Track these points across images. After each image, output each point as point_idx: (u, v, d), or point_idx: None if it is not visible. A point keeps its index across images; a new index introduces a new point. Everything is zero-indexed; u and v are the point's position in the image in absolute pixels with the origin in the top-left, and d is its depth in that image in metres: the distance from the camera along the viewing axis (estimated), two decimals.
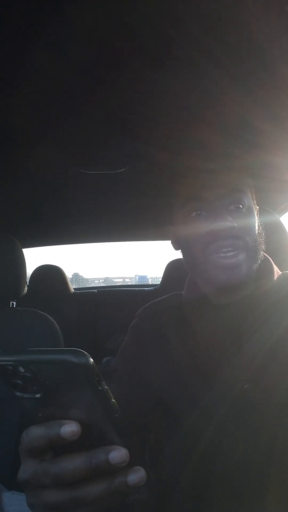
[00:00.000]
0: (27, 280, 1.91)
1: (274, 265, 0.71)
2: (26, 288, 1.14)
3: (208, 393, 0.60)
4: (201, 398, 0.60)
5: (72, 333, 2.12)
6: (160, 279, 2.29)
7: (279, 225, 1.07)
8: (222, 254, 0.60)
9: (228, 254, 0.60)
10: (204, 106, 0.74)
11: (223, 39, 0.56)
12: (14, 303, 1.18)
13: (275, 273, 0.69)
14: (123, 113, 0.77)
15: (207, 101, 0.73)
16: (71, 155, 0.98)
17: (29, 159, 0.99)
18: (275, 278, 0.68)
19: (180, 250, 0.72)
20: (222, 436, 0.58)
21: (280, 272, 0.70)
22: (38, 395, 0.31)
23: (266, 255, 0.72)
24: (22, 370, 0.31)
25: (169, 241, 0.75)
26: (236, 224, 0.60)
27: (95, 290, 2.37)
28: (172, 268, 2.18)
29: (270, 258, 0.72)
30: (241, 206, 0.63)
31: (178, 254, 0.73)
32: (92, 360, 0.30)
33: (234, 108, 0.73)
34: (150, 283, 3.58)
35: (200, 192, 0.63)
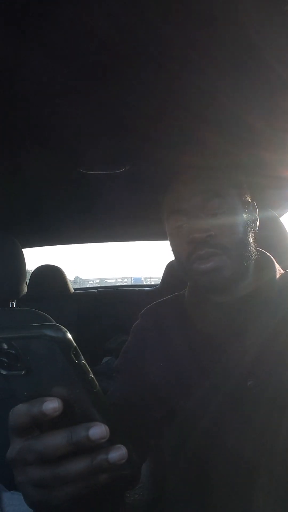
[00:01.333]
0: (27, 280, 1.91)
1: (276, 264, 0.71)
2: (26, 288, 1.13)
3: (211, 391, 0.61)
4: (202, 395, 0.61)
5: (72, 333, 2.11)
6: (152, 280, 2.30)
7: (277, 222, 1.08)
8: (201, 262, 0.62)
9: (204, 260, 0.62)
10: (201, 105, 0.74)
11: (222, 38, 0.56)
12: (14, 303, 1.18)
13: (277, 272, 0.69)
14: (123, 112, 0.77)
15: (205, 101, 0.73)
16: (71, 155, 0.98)
17: (28, 159, 0.99)
18: (278, 277, 0.68)
19: None
20: (219, 430, 0.59)
21: (283, 272, 0.70)
22: (22, 372, 0.32)
23: (267, 253, 0.72)
24: (5, 346, 0.32)
25: (168, 241, 0.77)
26: (213, 232, 0.62)
27: (95, 290, 2.37)
28: (172, 268, 2.18)
29: (272, 257, 0.72)
30: (220, 212, 0.64)
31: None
32: (69, 335, 0.32)
33: (230, 106, 0.74)
34: (144, 283, 3.61)
35: (180, 204, 0.66)
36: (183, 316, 0.71)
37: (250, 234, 0.67)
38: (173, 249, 0.70)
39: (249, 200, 0.70)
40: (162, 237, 2.21)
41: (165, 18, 0.51)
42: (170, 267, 2.19)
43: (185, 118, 0.79)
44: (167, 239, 0.73)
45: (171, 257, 0.80)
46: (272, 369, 0.59)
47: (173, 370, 0.65)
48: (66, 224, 1.77)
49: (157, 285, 2.34)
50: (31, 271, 2.15)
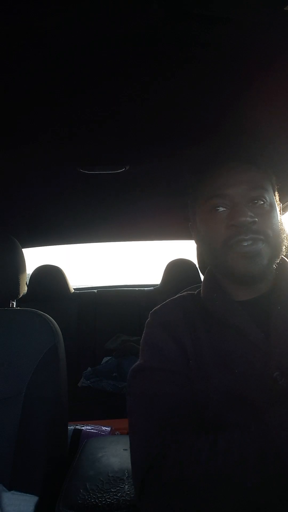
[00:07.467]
0: (27, 280, 1.92)
1: None
2: (26, 288, 1.14)
3: (236, 383, 0.60)
4: (229, 387, 0.60)
5: (72, 333, 2.13)
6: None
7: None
8: (244, 246, 0.62)
9: (248, 244, 0.62)
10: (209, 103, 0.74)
11: (222, 38, 0.56)
12: (14, 303, 1.18)
13: None
14: (123, 112, 0.77)
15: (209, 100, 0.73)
16: (71, 155, 0.98)
17: (28, 159, 0.99)
18: None
19: (200, 244, 0.74)
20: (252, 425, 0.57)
21: None
22: None
23: (283, 256, 0.72)
24: None
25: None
26: (257, 219, 0.62)
27: (95, 290, 2.37)
28: (172, 268, 2.18)
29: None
30: (263, 202, 0.65)
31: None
32: None
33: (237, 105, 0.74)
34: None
35: (222, 189, 0.65)
36: (202, 311, 0.70)
37: (284, 232, 0.68)
38: (206, 234, 0.69)
39: (278, 200, 0.71)
40: (162, 237, 2.21)
41: (163, 17, 0.52)
42: (170, 267, 2.19)
43: (188, 118, 0.79)
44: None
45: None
46: None
47: (199, 367, 0.64)
48: (66, 224, 1.77)
49: (157, 285, 2.34)
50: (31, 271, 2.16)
